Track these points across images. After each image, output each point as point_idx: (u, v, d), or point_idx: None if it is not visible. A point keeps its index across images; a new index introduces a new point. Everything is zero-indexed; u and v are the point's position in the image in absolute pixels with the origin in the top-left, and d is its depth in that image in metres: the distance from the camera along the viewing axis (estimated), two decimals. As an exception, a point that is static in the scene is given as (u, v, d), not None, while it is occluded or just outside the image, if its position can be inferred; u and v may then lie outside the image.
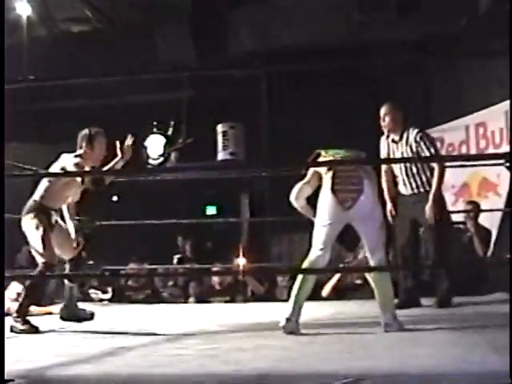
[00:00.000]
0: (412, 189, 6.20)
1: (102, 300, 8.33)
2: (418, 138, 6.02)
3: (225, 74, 10.18)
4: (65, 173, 5.27)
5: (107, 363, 3.41)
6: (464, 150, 9.95)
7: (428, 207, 5.99)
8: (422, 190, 6.14)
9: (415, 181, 6.19)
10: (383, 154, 6.32)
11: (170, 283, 8.80)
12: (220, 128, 9.66)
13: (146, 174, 8.25)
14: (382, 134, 6.32)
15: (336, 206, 4.56)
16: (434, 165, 6.09)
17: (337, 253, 8.66)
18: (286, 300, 4.88)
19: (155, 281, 8.79)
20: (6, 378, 2.74)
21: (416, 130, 6.07)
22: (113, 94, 10.14)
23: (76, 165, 5.09)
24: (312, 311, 5.21)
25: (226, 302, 8.19)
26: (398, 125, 6.14)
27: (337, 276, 7.56)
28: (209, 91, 10.48)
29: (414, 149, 6.03)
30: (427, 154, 6.00)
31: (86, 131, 5.46)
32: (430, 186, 6.06)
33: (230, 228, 10.64)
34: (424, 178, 6.15)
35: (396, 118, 6.14)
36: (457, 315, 5.36)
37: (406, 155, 6.08)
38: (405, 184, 6.23)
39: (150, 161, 10.39)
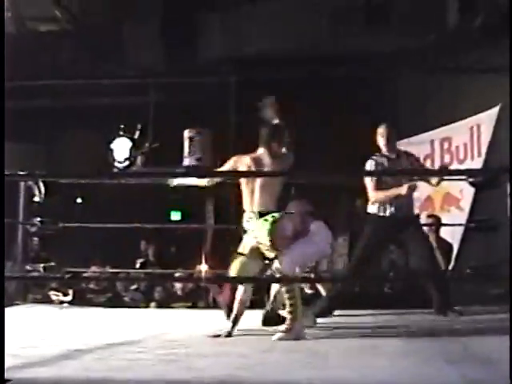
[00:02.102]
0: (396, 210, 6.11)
1: (62, 302, 8.26)
2: (413, 160, 6.20)
3: (193, 80, 10.17)
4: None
5: (64, 366, 3.37)
6: (429, 164, 10.05)
7: None
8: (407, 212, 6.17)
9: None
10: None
11: (132, 287, 8.75)
12: (187, 133, 9.58)
13: (111, 177, 8.19)
14: (374, 153, 6.29)
15: None
16: None
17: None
18: (248, 307, 4.91)
19: (117, 284, 8.73)
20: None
21: (409, 152, 6.36)
22: (79, 96, 10.06)
23: None
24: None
25: (188, 307, 8.16)
26: (395, 144, 6.29)
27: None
28: (177, 96, 10.45)
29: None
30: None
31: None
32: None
33: (194, 234, 10.60)
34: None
35: (394, 138, 6.29)
36: (415, 326, 5.39)
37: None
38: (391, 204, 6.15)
39: (116, 164, 10.29)
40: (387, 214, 6.03)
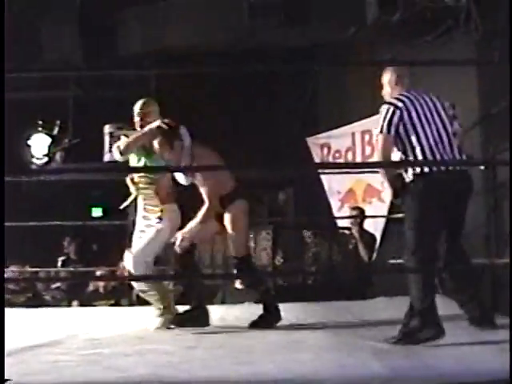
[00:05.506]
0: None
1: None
2: None
3: (113, 75, 10.03)
4: None
5: (-18, 371, 3.27)
6: (350, 157, 10.14)
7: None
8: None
9: None
10: None
11: (53, 286, 8.58)
12: (107, 129, 9.47)
13: (30, 174, 8.02)
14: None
15: None
16: None
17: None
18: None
19: (37, 283, 8.55)
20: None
21: None
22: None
23: None
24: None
25: (111, 305, 8.04)
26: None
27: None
28: (97, 91, 10.30)
29: None
30: None
31: None
32: None
33: (116, 230, 10.48)
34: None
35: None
36: (341, 319, 5.43)
37: None
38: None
39: (34, 160, 10.09)
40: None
